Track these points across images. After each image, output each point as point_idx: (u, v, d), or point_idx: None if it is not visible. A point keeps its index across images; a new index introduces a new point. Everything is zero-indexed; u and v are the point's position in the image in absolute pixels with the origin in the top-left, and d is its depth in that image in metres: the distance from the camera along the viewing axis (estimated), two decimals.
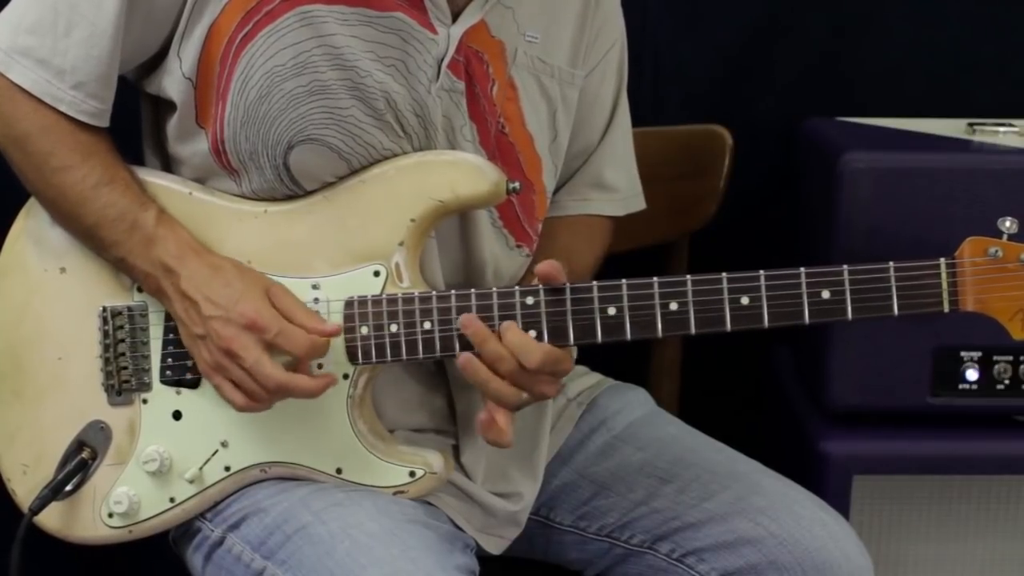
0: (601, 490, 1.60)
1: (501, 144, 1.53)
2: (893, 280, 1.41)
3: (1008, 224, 1.42)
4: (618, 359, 1.77)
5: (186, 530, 1.54)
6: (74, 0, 1.44)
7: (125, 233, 1.45)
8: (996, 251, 1.41)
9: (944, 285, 1.42)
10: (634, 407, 1.69)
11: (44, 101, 1.45)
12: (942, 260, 1.42)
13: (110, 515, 1.50)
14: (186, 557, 1.56)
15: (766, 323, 1.42)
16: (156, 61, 1.50)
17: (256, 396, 1.42)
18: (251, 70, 1.44)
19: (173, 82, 1.48)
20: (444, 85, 1.48)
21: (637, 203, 1.74)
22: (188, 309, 1.43)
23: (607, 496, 1.59)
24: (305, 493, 1.46)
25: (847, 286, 1.41)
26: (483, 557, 1.54)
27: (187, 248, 1.45)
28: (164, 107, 1.52)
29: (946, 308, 1.42)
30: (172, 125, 1.50)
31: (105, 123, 1.49)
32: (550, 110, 1.58)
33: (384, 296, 1.45)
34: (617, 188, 1.71)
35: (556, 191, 1.67)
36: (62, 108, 1.46)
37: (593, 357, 1.74)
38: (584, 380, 1.72)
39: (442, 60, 1.48)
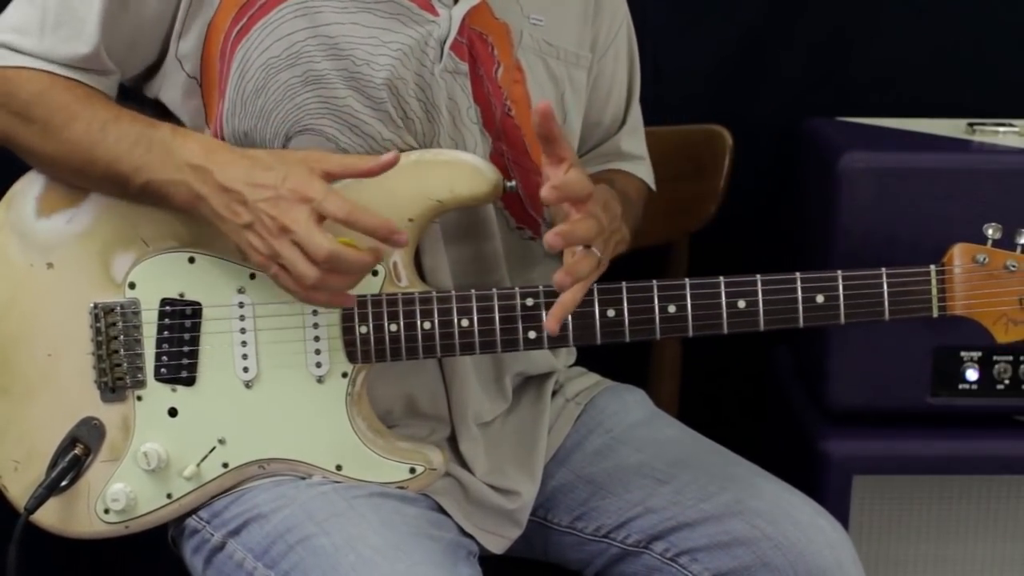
0: (598, 491, 1.60)
1: (507, 127, 1.53)
2: (885, 286, 1.45)
3: (991, 231, 1.47)
4: (617, 359, 1.77)
5: (184, 530, 1.54)
6: (61, 1, 1.44)
7: (144, 155, 1.42)
8: (983, 258, 1.47)
9: (933, 291, 1.47)
10: (632, 409, 1.69)
11: (36, 67, 1.45)
12: (932, 267, 1.47)
13: (106, 511, 1.49)
14: (185, 557, 1.56)
15: (762, 326, 1.46)
16: (154, 69, 1.49)
17: (305, 279, 1.36)
18: (247, 64, 1.45)
19: (174, 85, 1.48)
20: (447, 67, 1.48)
21: (652, 180, 1.74)
22: (230, 202, 1.39)
23: (604, 497, 1.59)
24: (305, 499, 1.46)
25: (841, 291, 1.45)
26: (484, 557, 1.53)
27: (213, 145, 1.42)
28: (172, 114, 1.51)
29: (935, 313, 1.47)
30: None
31: (109, 90, 1.48)
32: (557, 92, 1.58)
33: (384, 296, 1.45)
34: (642, 155, 1.73)
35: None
36: (55, 57, 1.44)
37: (592, 357, 1.74)
38: (582, 380, 1.72)
39: (444, 42, 1.47)
